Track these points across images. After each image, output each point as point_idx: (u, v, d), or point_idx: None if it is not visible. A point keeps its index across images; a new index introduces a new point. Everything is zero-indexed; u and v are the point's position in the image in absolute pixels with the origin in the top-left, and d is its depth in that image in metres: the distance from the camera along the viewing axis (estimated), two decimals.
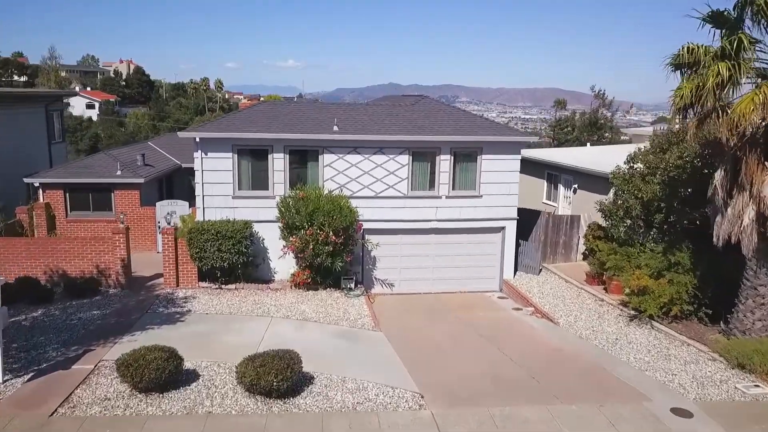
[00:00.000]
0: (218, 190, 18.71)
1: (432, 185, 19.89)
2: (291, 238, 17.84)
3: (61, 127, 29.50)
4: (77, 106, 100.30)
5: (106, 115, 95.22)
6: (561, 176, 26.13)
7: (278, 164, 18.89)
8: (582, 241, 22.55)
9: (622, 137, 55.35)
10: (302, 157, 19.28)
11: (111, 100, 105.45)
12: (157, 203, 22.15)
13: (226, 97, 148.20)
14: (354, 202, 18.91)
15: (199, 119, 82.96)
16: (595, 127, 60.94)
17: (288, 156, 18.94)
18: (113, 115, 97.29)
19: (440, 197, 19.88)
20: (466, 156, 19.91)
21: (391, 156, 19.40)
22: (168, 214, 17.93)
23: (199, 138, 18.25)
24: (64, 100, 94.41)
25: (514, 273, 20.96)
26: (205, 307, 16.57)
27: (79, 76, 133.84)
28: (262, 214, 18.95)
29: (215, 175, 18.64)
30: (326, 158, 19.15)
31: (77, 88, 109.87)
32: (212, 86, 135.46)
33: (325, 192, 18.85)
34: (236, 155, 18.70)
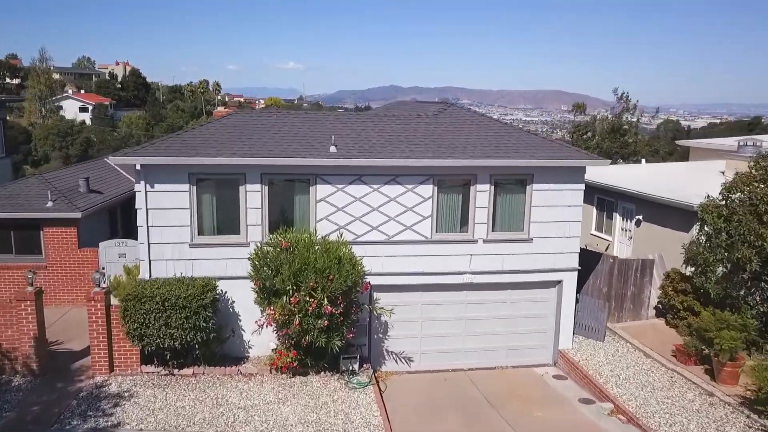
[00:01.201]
0: (171, 235, 13.48)
1: (465, 226, 14.65)
2: (268, 309, 12.57)
3: (3, 139, 24.27)
4: (70, 109, 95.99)
5: (99, 119, 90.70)
6: (618, 203, 20.81)
7: (254, 199, 13.67)
8: (656, 293, 17.28)
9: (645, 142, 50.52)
10: (287, 190, 14.06)
11: (105, 103, 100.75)
12: (100, 244, 16.94)
13: (226, 100, 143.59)
14: (358, 250, 13.70)
15: (195, 123, 78.07)
16: (618, 134, 55.93)
17: (267, 188, 13.71)
18: (107, 118, 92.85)
19: (476, 241, 14.62)
20: (510, 186, 14.68)
21: (409, 186, 14.16)
22: (99, 274, 12.75)
23: (142, 165, 13.01)
24: (56, 104, 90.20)
25: (572, 339, 15.68)
26: (143, 416, 11.34)
27: (74, 78, 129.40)
28: (231, 267, 13.74)
29: (166, 216, 13.41)
30: (320, 190, 13.92)
31: (70, 91, 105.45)
32: (211, 89, 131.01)
33: (319, 237, 13.63)
34: (195, 188, 13.46)
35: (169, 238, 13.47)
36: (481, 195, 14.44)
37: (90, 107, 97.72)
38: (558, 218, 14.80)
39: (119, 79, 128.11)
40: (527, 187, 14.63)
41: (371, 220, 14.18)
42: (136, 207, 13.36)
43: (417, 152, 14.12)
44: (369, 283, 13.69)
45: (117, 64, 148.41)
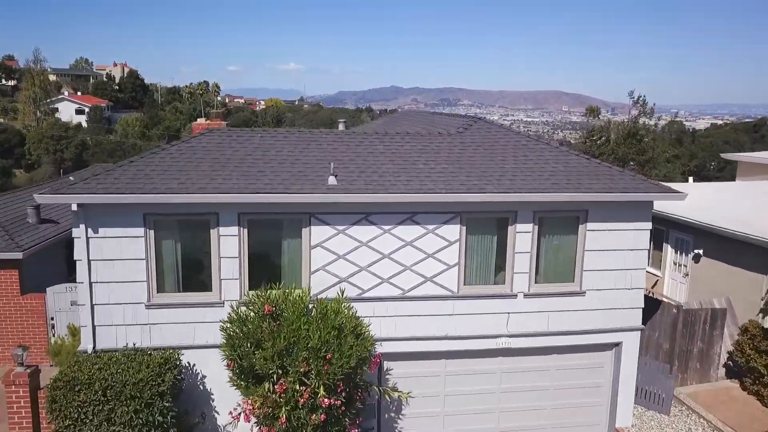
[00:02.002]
0: (121, 294, 10.36)
1: (500, 276, 11.51)
2: (244, 403, 9.43)
3: None
4: (65, 111, 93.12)
5: (96, 121, 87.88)
6: (669, 233, 17.67)
7: (229, 246, 10.54)
8: (727, 349, 14.17)
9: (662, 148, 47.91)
10: (273, 233, 10.93)
11: (102, 105, 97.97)
12: (47, 289, 13.89)
13: (226, 101, 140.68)
14: (365, 308, 10.66)
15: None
16: (635, 139, 52.92)
17: (247, 231, 10.59)
18: (103, 120, 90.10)
19: (515, 296, 11.48)
20: (558, 225, 11.55)
21: (429, 227, 11.03)
22: (22, 349, 9.66)
23: (79, 204, 9.90)
24: (52, 106, 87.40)
25: (632, 414, 12.54)
26: None
27: (71, 79, 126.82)
28: (201, 333, 10.64)
29: (115, 269, 10.28)
30: (315, 233, 10.79)
31: (66, 93, 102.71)
32: (210, 90, 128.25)
33: (314, 293, 10.53)
34: (153, 232, 10.35)
35: (119, 298, 10.34)
36: (522, 237, 11.30)
37: (86, 109, 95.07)
38: (618, 265, 11.66)
39: (117, 80, 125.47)
40: (580, 226, 11.50)
41: (381, 271, 11.05)
42: (75, 258, 10.22)
43: (440, 183, 10.99)
44: (379, 355, 10.57)
45: (115, 65, 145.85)
